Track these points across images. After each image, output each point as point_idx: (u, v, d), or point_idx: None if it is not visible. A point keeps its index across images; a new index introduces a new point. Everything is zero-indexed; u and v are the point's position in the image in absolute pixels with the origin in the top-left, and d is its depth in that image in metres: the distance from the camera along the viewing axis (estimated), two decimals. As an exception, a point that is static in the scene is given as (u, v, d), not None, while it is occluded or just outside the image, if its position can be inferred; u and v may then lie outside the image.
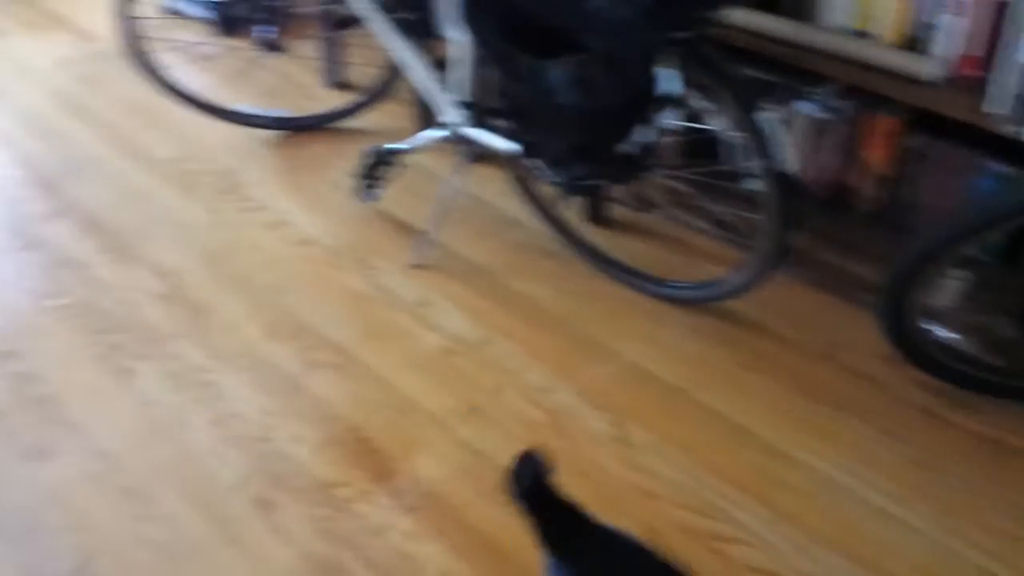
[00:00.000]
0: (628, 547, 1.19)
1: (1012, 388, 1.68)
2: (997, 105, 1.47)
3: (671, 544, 1.53)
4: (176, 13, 3.22)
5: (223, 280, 2.14)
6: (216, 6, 3.04)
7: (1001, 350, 1.71)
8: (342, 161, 2.48)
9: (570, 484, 1.63)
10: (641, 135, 1.46)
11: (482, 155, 2.36)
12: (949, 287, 1.74)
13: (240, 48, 2.90)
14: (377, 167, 2.11)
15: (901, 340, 1.66)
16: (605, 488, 1.63)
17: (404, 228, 2.25)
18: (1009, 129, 1.47)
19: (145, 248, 2.24)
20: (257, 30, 2.33)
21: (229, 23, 3.04)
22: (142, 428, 1.81)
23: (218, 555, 1.58)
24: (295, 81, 2.74)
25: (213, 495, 1.68)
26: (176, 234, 2.28)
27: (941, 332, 1.72)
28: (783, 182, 1.54)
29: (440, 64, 1.89)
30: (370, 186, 2.15)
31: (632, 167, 1.52)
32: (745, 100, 1.48)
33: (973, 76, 1.56)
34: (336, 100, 2.65)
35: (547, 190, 1.85)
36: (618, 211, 2.19)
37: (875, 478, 1.61)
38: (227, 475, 1.71)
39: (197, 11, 3.14)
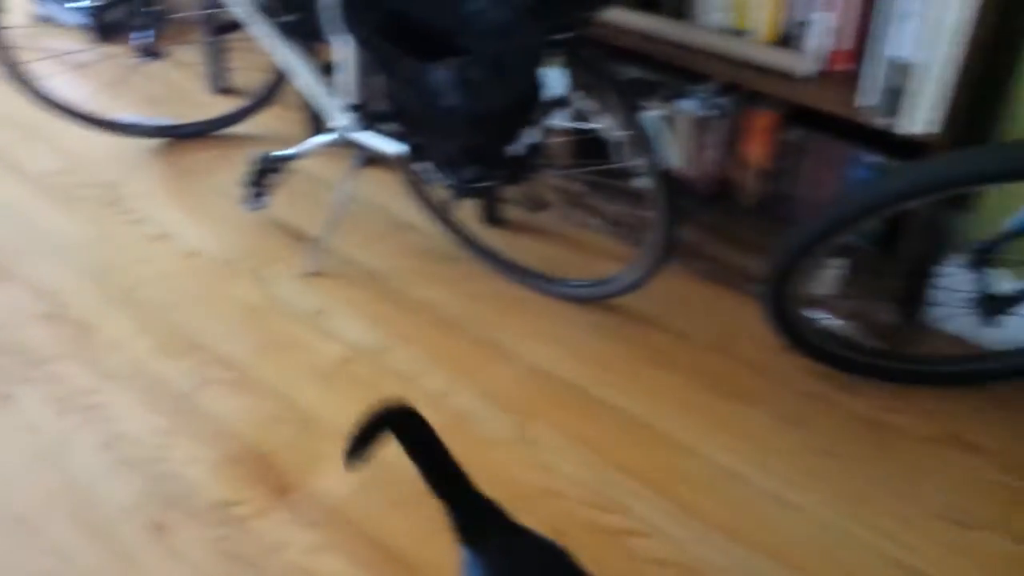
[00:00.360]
0: (542, 547, 1.19)
1: (894, 370, 1.75)
2: (868, 98, 1.53)
3: (576, 541, 1.54)
4: (49, 20, 3.08)
5: (108, 297, 2.06)
6: (91, 12, 2.92)
7: (882, 334, 1.78)
8: (229, 169, 2.41)
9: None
10: (529, 136, 1.46)
11: (373, 159, 2.34)
12: (828, 275, 1.79)
13: (118, 55, 2.80)
14: (265, 174, 2.06)
15: (786, 329, 1.70)
16: (510, 488, 1.62)
17: (297, 236, 2.20)
18: (880, 121, 1.52)
19: (23, 267, 2.14)
20: (135, 36, 2.24)
21: (105, 29, 2.93)
22: (26, 455, 1.73)
23: (111, 583, 1.53)
24: (178, 88, 2.65)
25: (105, 521, 1.62)
26: (57, 251, 2.19)
27: (824, 319, 1.78)
28: (667, 178, 1.56)
29: (327, 68, 1.86)
30: (258, 194, 2.10)
31: (522, 168, 1.52)
32: (627, 99, 1.50)
33: (845, 70, 1.61)
34: (221, 106, 2.58)
35: (441, 193, 1.84)
36: (513, 212, 2.19)
37: (772, 465, 1.65)
38: (119, 499, 1.65)
39: (71, 18, 3.01)
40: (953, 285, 1.70)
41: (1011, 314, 1.55)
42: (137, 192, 2.36)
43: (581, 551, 1.52)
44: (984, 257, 1.52)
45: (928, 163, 1.37)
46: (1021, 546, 1.51)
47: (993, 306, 1.52)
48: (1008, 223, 1.47)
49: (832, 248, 1.49)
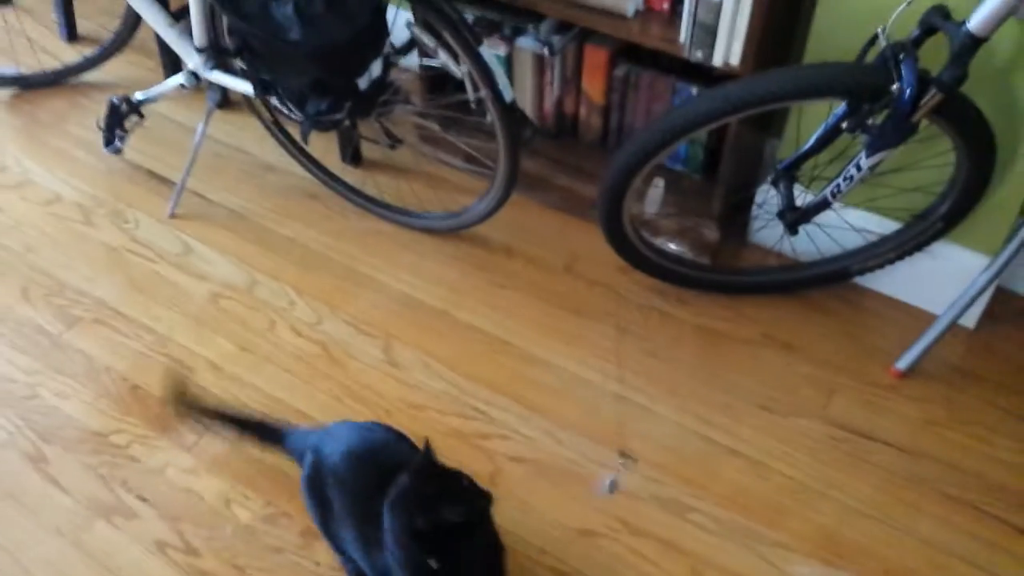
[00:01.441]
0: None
1: (719, 282, 1.96)
2: (686, 35, 1.70)
3: (441, 444, 1.65)
4: None
5: (-33, 245, 2.07)
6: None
7: (708, 251, 1.98)
8: (85, 116, 2.42)
9: (347, 406, 1.77)
10: (375, 70, 1.56)
11: (232, 103, 2.39)
12: (655, 196, 1.98)
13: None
14: (121, 118, 2.09)
15: (623, 249, 1.88)
16: (378, 405, 1.76)
17: (158, 180, 2.24)
18: (696, 55, 1.70)
19: None
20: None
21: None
22: None
23: (-6, 512, 1.59)
24: (27, 36, 2.61)
25: (-19, 457, 1.67)
26: (-93, 202, 2.17)
27: (655, 239, 1.97)
28: (508, 111, 1.70)
29: (183, 12, 1.90)
30: (116, 138, 2.12)
31: (369, 102, 1.62)
32: (464, 35, 1.62)
33: (666, 9, 1.78)
34: (73, 54, 2.57)
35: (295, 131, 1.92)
36: (371, 151, 2.29)
37: (611, 370, 1.83)
38: (-6, 436, 1.70)
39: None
40: (766, 203, 1.91)
41: (811, 223, 1.77)
42: (-10, 142, 2.35)
43: (446, 454, 1.67)
44: (786, 175, 1.72)
45: (721, 88, 1.54)
46: (833, 428, 1.73)
47: (795, 218, 1.73)
48: (805, 143, 1.67)
49: (652, 169, 1.66)
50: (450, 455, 1.66)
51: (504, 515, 1.59)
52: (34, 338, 1.87)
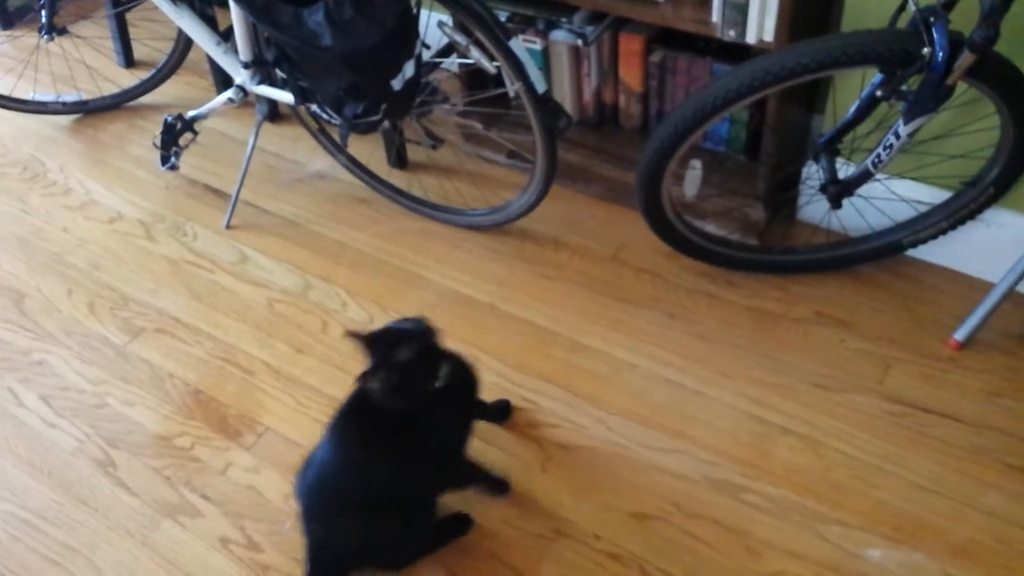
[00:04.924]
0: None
1: (767, 262, 1.94)
2: (717, 14, 1.69)
3: (491, 436, 1.71)
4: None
5: (36, 265, 2.16)
6: (-6, -1, 2.96)
7: (755, 231, 1.96)
8: (143, 136, 2.51)
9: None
10: (409, 70, 1.60)
11: (281, 114, 2.46)
12: (694, 180, 1.97)
13: (24, 36, 2.86)
14: (176, 135, 2.16)
15: (667, 234, 1.87)
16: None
17: (214, 193, 2.32)
18: (729, 34, 1.69)
19: (-50, 245, 2.23)
20: (38, 16, 2.32)
21: (10, 16, 2.97)
22: (-28, 414, 1.84)
23: (69, 516, 1.66)
24: (87, 64, 2.73)
25: (56, 464, 1.75)
26: (-18, 227, 2.28)
27: (701, 223, 1.96)
28: (542, 103, 1.71)
29: (229, 30, 1.97)
30: (172, 155, 2.20)
31: (406, 101, 1.66)
32: (494, 30, 1.64)
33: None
34: (130, 78, 2.67)
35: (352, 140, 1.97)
36: (416, 153, 2.33)
37: (661, 355, 1.83)
38: (66, 443, 1.78)
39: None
40: (810, 180, 1.89)
41: (858, 196, 1.74)
42: (56, 166, 2.45)
43: (496, 444, 1.70)
44: (827, 148, 1.70)
45: (750, 64, 1.53)
46: (891, 403, 1.70)
47: (838, 191, 1.71)
48: (843, 116, 1.65)
49: (688, 151, 1.66)
50: (502, 444, 1.70)
51: (557, 501, 1.61)
52: (101, 350, 1.95)
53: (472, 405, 1.56)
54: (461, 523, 1.58)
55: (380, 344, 1.35)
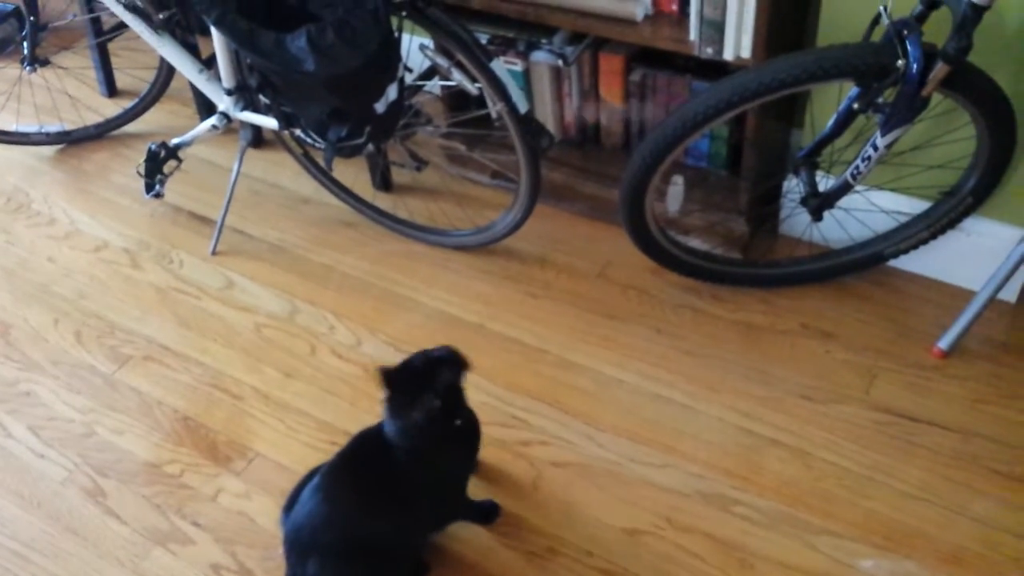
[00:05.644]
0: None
1: (752, 276, 1.95)
2: (695, 33, 1.71)
3: (483, 455, 1.71)
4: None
5: (23, 295, 2.16)
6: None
7: (738, 245, 1.98)
8: (127, 166, 2.52)
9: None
10: (390, 93, 1.61)
11: (264, 140, 2.47)
12: (676, 195, 1.99)
13: (5, 68, 2.86)
14: (160, 163, 2.16)
15: (649, 248, 1.89)
16: (418, 421, 1.79)
17: (199, 220, 2.32)
18: (707, 52, 1.71)
19: (-65, 277, 2.23)
20: (20, 48, 2.32)
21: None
22: (-40, 446, 1.83)
23: (58, 546, 1.65)
24: (70, 94, 2.73)
25: (45, 494, 1.74)
26: (-34, 259, 2.27)
27: (685, 238, 1.97)
28: (523, 122, 1.73)
29: (212, 58, 1.98)
30: (156, 183, 2.20)
31: (390, 124, 1.67)
32: (474, 51, 1.66)
33: (675, 10, 1.80)
34: (113, 107, 2.68)
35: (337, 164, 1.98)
36: (401, 176, 2.34)
37: (649, 371, 1.84)
38: (55, 473, 1.77)
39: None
40: (790, 193, 1.91)
41: (838, 208, 1.76)
42: (41, 196, 2.45)
43: (487, 463, 1.70)
44: (807, 162, 1.72)
45: (728, 80, 1.55)
46: (877, 413, 1.71)
47: (818, 203, 1.73)
48: (822, 129, 1.67)
49: (670, 167, 1.68)
50: (492, 464, 1.70)
51: (548, 519, 1.62)
52: (88, 379, 1.95)
53: (476, 450, 1.55)
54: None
55: (410, 373, 1.35)
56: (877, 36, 1.49)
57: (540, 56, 2.05)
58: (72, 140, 2.61)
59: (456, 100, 2.17)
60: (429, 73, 2.00)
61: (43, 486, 1.75)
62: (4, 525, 1.69)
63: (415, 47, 1.83)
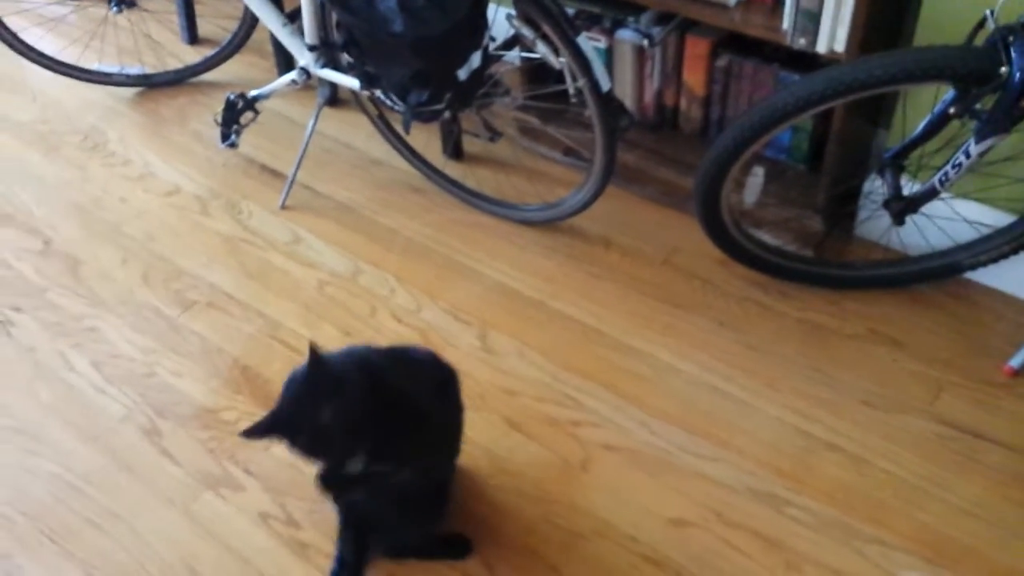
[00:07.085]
0: None
1: (823, 276, 1.91)
2: (789, 21, 1.67)
3: (533, 431, 1.71)
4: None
5: (93, 233, 2.19)
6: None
7: (812, 243, 1.94)
8: (204, 114, 2.54)
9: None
10: (474, 61, 1.60)
11: (340, 99, 2.48)
12: (754, 187, 1.95)
13: (92, 6, 2.90)
14: (237, 114, 2.18)
15: (722, 241, 1.86)
16: (473, 390, 1.79)
17: (271, 173, 2.34)
18: (799, 42, 1.67)
19: (13, 208, 2.27)
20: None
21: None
22: (24, 373, 1.87)
23: (113, 481, 1.69)
24: (152, 38, 2.76)
25: (102, 430, 1.77)
26: (43, 193, 2.32)
27: (756, 231, 1.94)
28: (605, 101, 1.71)
29: (296, 12, 1.99)
30: (232, 133, 2.22)
31: (470, 92, 1.66)
32: (562, 25, 1.63)
33: (770, -1, 1.76)
34: (194, 55, 2.70)
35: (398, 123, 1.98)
36: (473, 145, 2.33)
37: (708, 362, 1.82)
38: (114, 410, 1.80)
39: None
40: (872, 194, 1.86)
41: (920, 214, 1.71)
42: (116, 137, 2.49)
43: (538, 440, 1.70)
44: (893, 164, 1.68)
45: (823, 73, 1.51)
46: (940, 426, 1.67)
47: (902, 207, 1.68)
48: (912, 131, 1.62)
49: (751, 157, 1.64)
50: (542, 441, 1.70)
51: (595, 502, 1.61)
52: (153, 320, 1.98)
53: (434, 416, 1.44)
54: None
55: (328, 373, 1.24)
56: (980, 40, 1.44)
57: (625, 34, 2.02)
58: (151, 84, 2.64)
59: (534, 73, 2.15)
60: (510, 43, 1.98)
61: (101, 422, 1.79)
62: (61, 457, 1.73)
63: (500, 17, 1.81)
